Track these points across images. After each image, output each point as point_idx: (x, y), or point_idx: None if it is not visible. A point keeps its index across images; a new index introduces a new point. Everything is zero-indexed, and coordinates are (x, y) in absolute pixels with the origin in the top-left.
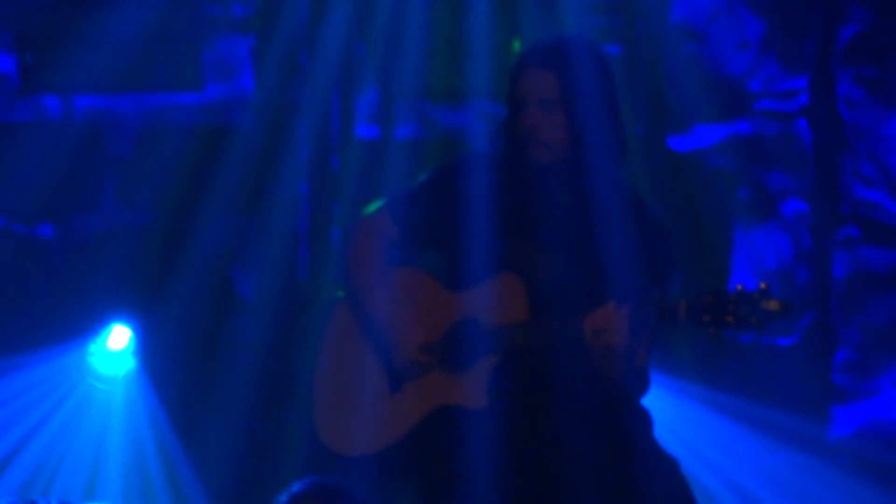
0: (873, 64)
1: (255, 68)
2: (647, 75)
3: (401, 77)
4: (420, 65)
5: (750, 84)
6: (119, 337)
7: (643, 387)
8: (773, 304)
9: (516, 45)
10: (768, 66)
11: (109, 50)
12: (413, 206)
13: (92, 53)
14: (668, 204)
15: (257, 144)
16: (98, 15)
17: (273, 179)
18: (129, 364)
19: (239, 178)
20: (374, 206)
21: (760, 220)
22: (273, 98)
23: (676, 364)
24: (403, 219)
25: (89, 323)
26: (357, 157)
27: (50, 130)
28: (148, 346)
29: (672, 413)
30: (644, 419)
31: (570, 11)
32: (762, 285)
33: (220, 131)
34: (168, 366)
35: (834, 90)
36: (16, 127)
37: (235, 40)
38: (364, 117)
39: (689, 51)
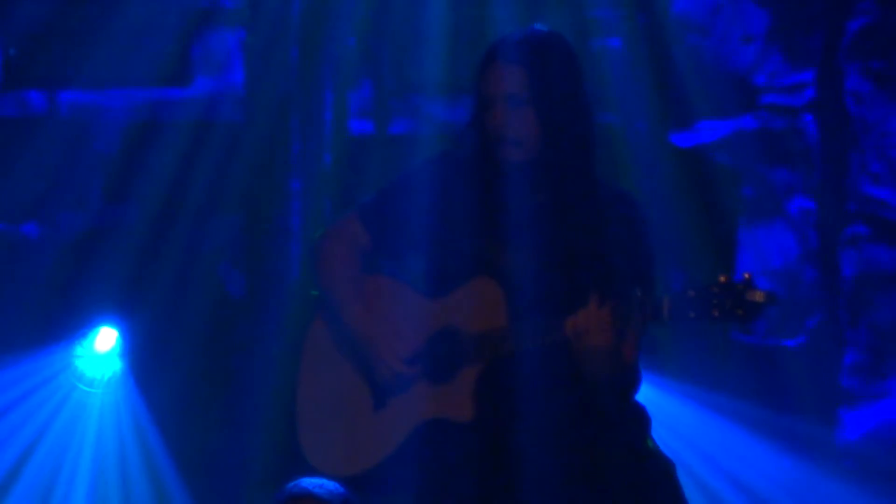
0: (881, 57)
1: (245, 62)
2: (649, 69)
3: (394, 72)
4: (413, 59)
5: (755, 78)
6: (106, 339)
7: (633, 385)
8: (758, 296)
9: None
10: (773, 59)
11: (95, 44)
12: (384, 210)
13: (77, 47)
14: (671, 201)
15: (248, 140)
16: (84, 8)
17: (264, 175)
18: (116, 366)
19: (229, 175)
20: (342, 215)
21: (765, 217)
22: (263, 93)
23: (682, 366)
24: (375, 225)
25: (76, 324)
26: (350, 153)
27: (34, 126)
28: (135, 347)
29: (677, 416)
30: (638, 418)
31: (570, 4)
32: (745, 276)
33: (210, 127)
34: (156, 366)
35: (841, 84)
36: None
37: (225, 34)
38: (357, 112)
39: (692, 44)
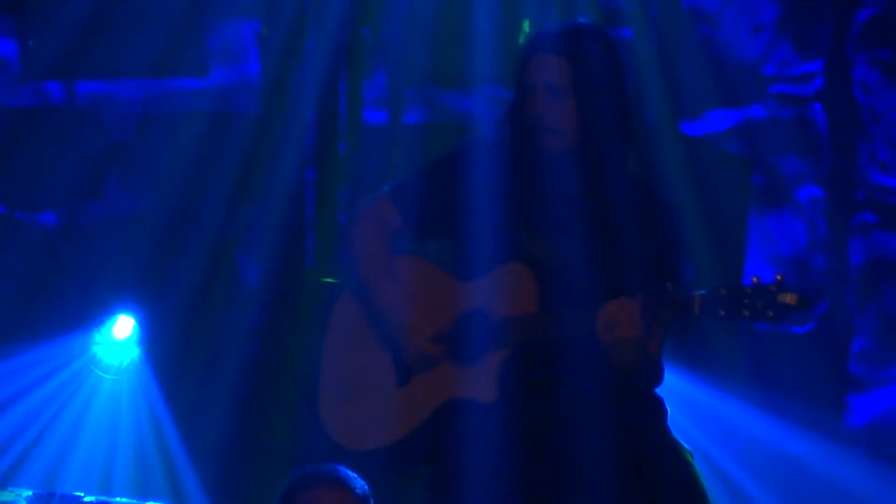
0: (889, 47)
1: (261, 53)
2: (660, 59)
3: (408, 62)
4: (428, 49)
5: (764, 68)
6: (123, 326)
7: (656, 378)
8: (789, 298)
9: (526, 28)
10: (782, 49)
11: (112, 35)
12: (417, 192)
13: (94, 38)
14: (682, 190)
15: (263, 130)
16: None
17: (279, 165)
18: (134, 353)
19: (244, 165)
20: (374, 194)
21: (775, 206)
22: (279, 83)
23: (691, 353)
24: (408, 206)
25: (94, 312)
26: (364, 143)
27: (52, 116)
28: (152, 335)
29: (686, 403)
30: (657, 410)
31: None
32: (778, 277)
33: (226, 117)
34: (173, 355)
35: (849, 74)
36: (17, 113)
37: (240, 25)
38: (371, 102)
39: (702, 35)
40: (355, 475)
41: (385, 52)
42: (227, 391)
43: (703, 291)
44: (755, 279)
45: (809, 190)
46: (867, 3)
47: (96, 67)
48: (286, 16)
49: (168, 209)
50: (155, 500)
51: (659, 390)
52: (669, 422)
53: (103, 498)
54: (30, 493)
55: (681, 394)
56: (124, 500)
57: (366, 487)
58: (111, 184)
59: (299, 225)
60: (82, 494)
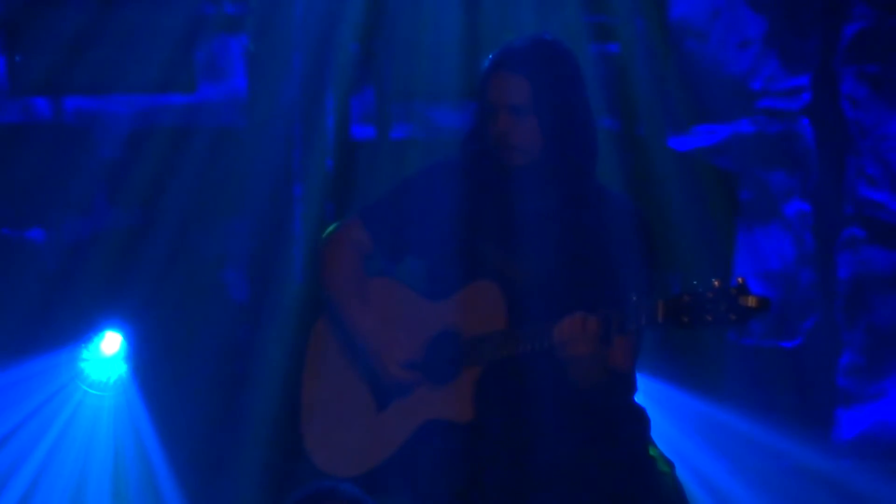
0: (877, 61)
1: (248, 69)
2: (647, 74)
3: (396, 77)
4: (415, 65)
5: (751, 83)
6: (111, 342)
7: (627, 390)
8: (751, 301)
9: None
10: (770, 64)
11: (99, 50)
12: (387, 214)
13: (82, 54)
14: (669, 205)
15: (250, 145)
16: (88, 15)
17: (266, 181)
18: (121, 369)
19: (232, 180)
20: (345, 218)
21: (763, 220)
22: (266, 99)
23: (677, 368)
24: (378, 227)
25: (81, 328)
26: (352, 158)
27: (40, 132)
28: (140, 351)
29: (672, 417)
30: (636, 421)
31: (568, 9)
32: (739, 280)
33: (213, 132)
34: (160, 371)
35: (837, 88)
36: (5, 129)
37: (228, 40)
38: (359, 118)
39: (690, 49)
40: (360, 494)
41: (372, 67)
42: (213, 407)
43: (665, 298)
44: (716, 282)
45: (797, 204)
46: (854, 18)
47: (84, 83)
48: (273, 31)
49: (156, 224)
50: None
51: (644, 403)
52: (654, 432)
53: None
54: None
55: (668, 406)
56: None
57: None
58: (99, 199)
59: (286, 240)
60: None
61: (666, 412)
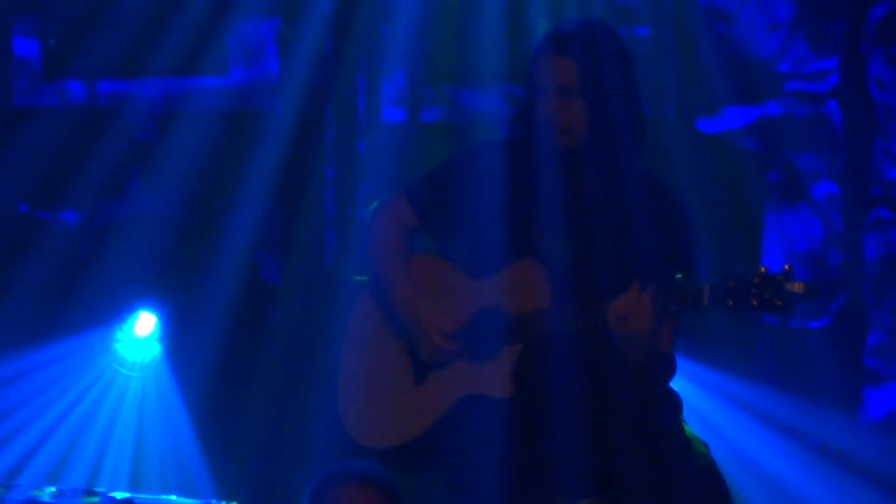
0: None
1: (280, 52)
2: (676, 57)
3: (426, 60)
4: (446, 48)
5: (780, 65)
6: (145, 323)
7: (668, 371)
8: (796, 286)
9: (542, 26)
10: (798, 47)
11: (133, 34)
12: (432, 192)
13: (115, 38)
14: (698, 187)
15: (282, 128)
16: None
17: (299, 163)
18: (155, 350)
19: (264, 163)
20: (391, 194)
21: (791, 202)
22: (298, 82)
23: (706, 349)
24: (423, 205)
25: (115, 310)
26: (383, 141)
27: (73, 116)
28: (173, 332)
29: (701, 398)
30: (671, 403)
31: None
32: (786, 267)
33: (245, 115)
34: (193, 352)
35: (864, 71)
36: (39, 112)
37: (260, 24)
38: (390, 101)
39: (719, 32)
40: (385, 473)
41: (403, 50)
42: (246, 388)
43: (711, 282)
44: (763, 269)
45: (825, 186)
46: (881, 1)
47: (117, 67)
48: (305, 14)
49: (188, 207)
50: (174, 497)
51: (677, 382)
52: (686, 413)
53: (123, 494)
54: (53, 489)
55: (692, 389)
56: (147, 496)
57: (395, 485)
58: (132, 182)
59: (319, 222)
60: (103, 490)
61: (697, 392)
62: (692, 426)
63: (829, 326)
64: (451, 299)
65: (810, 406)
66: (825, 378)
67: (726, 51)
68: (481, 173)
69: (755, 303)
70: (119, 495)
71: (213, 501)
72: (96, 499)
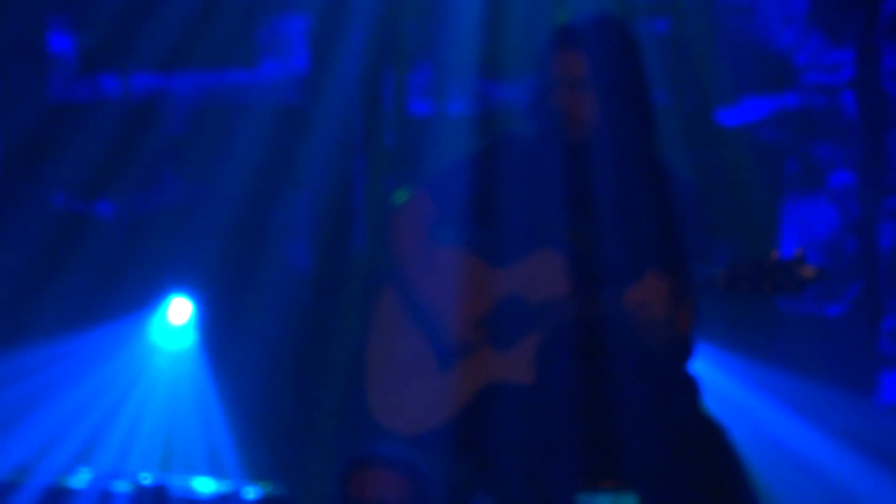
0: None
1: (309, 46)
2: (695, 49)
3: (454, 53)
4: (472, 40)
5: (796, 57)
6: (179, 311)
7: (686, 356)
8: (808, 271)
9: (563, 18)
10: (814, 39)
11: (165, 29)
12: (452, 185)
13: (148, 33)
14: (717, 177)
15: (312, 121)
16: None
17: (328, 155)
18: (189, 337)
19: (295, 155)
20: (411, 189)
21: (808, 191)
22: (327, 75)
23: (723, 334)
24: (443, 198)
25: (149, 299)
26: (410, 133)
27: (108, 109)
28: (207, 320)
29: (721, 381)
30: (691, 386)
31: None
32: (798, 252)
33: (275, 108)
34: (226, 339)
35: (879, 63)
36: (74, 107)
37: (289, 19)
38: (417, 93)
39: (736, 25)
40: (411, 458)
41: (430, 43)
42: (277, 374)
43: (726, 267)
44: (776, 254)
45: (842, 175)
46: None
47: (150, 61)
48: (334, 9)
49: (220, 197)
50: (206, 479)
51: (695, 369)
52: (706, 397)
53: (156, 478)
54: (87, 474)
55: (710, 375)
56: (179, 479)
57: (422, 469)
58: (165, 174)
59: (348, 212)
60: (148, 475)
61: (717, 376)
62: (712, 409)
63: (846, 312)
64: (473, 289)
65: (827, 390)
66: (842, 362)
67: (744, 44)
68: (499, 166)
69: (768, 287)
70: (151, 480)
71: (245, 484)
72: (129, 484)
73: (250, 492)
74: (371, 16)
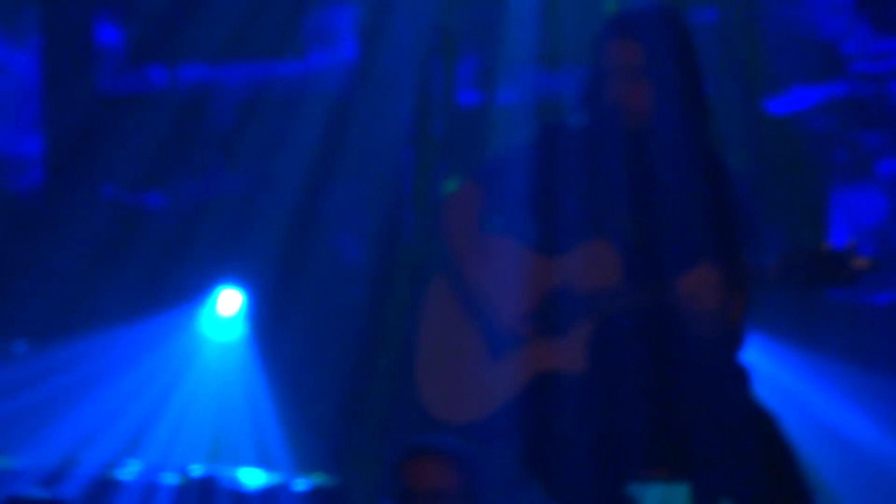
0: None
1: (357, 37)
2: (744, 39)
3: (504, 42)
4: (523, 29)
5: (844, 46)
6: (229, 302)
7: (737, 346)
8: (861, 262)
9: (611, 8)
10: (861, 27)
11: (213, 20)
12: (502, 174)
13: (196, 24)
14: (765, 166)
15: (361, 111)
16: None
17: (377, 145)
18: (239, 328)
19: (344, 145)
20: (462, 178)
21: (857, 179)
22: (375, 66)
23: (775, 325)
24: (494, 187)
25: (200, 290)
26: (458, 123)
27: (156, 101)
28: (257, 311)
29: (770, 372)
30: (741, 376)
31: None
32: (850, 242)
33: (324, 99)
34: (276, 331)
35: None
36: (123, 98)
37: (337, 8)
38: (466, 83)
39: (784, 15)
40: (462, 447)
41: (479, 33)
42: (328, 365)
43: (778, 258)
44: (829, 245)
45: (890, 164)
46: None
47: (198, 52)
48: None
49: (269, 188)
50: (256, 470)
51: (745, 358)
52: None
53: (205, 470)
54: (138, 467)
55: (762, 366)
56: (229, 470)
57: (471, 458)
58: (214, 164)
59: (398, 203)
60: (197, 467)
61: (768, 365)
62: (763, 398)
63: (894, 302)
64: (524, 279)
65: (878, 378)
66: (892, 351)
67: (792, 33)
68: (552, 155)
69: (822, 279)
70: (200, 472)
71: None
72: (178, 476)
73: (300, 483)
74: (419, 5)
